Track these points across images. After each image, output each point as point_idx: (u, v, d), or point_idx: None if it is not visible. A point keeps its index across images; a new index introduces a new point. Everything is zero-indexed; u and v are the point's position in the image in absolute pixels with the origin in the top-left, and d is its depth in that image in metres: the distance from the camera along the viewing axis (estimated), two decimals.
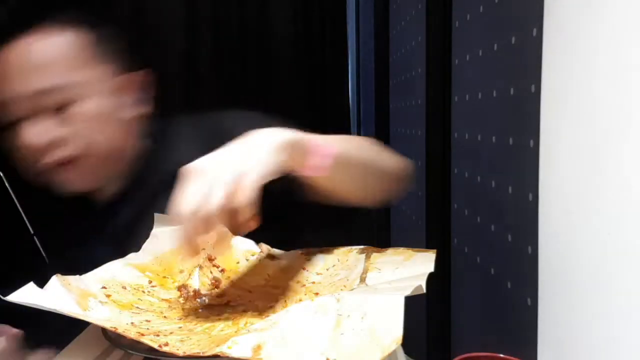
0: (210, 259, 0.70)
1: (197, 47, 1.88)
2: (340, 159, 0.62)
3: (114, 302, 0.59)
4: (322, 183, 0.63)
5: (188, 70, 1.87)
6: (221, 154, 0.55)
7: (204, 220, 0.51)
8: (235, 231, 0.55)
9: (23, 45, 0.73)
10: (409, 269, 0.60)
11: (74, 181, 0.78)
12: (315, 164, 0.59)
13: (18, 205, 0.65)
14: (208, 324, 0.55)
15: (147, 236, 0.71)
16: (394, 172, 0.75)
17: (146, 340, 0.49)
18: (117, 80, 0.79)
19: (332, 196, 0.67)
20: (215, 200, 0.50)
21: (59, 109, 0.74)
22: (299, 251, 0.72)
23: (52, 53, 0.74)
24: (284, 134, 0.57)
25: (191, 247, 0.53)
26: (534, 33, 0.80)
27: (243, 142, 0.56)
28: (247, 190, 0.51)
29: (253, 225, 0.54)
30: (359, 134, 2.18)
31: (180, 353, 0.47)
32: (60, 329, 0.56)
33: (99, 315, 0.55)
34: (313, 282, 0.65)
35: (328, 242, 0.75)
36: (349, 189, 0.68)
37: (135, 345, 0.50)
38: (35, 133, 0.73)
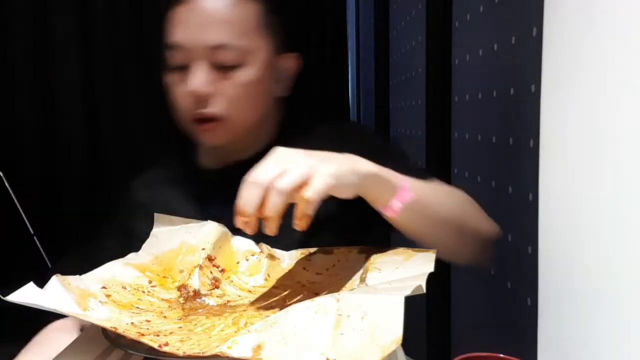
0: (210, 259, 0.70)
1: None
2: (414, 207, 0.64)
3: (114, 302, 0.59)
4: (395, 222, 0.66)
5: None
6: (313, 152, 0.59)
7: (265, 192, 0.54)
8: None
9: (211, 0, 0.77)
10: (409, 269, 0.60)
11: (212, 137, 0.81)
12: (388, 204, 0.63)
13: (18, 205, 0.65)
14: (208, 324, 0.55)
15: None
16: (480, 233, 0.74)
17: (146, 340, 0.49)
18: (275, 56, 0.83)
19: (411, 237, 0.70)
20: (285, 181, 0.54)
21: (225, 68, 0.77)
22: (299, 251, 0.72)
23: (233, 13, 0.78)
24: (374, 166, 0.61)
25: (242, 213, 0.56)
26: (534, 33, 0.80)
27: (334, 154, 0.60)
28: (315, 189, 0.54)
29: (303, 224, 0.56)
30: None
31: (180, 353, 0.47)
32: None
33: (99, 315, 0.55)
34: (313, 282, 0.65)
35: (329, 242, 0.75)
36: (425, 239, 0.68)
37: (135, 345, 0.50)
38: (200, 82, 0.76)
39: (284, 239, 0.65)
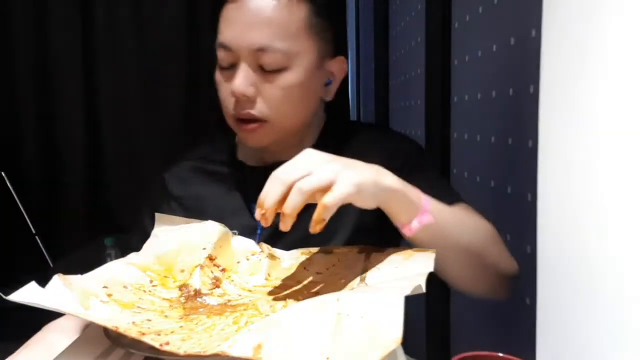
0: (211, 259, 0.70)
1: (196, 46, 1.89)
2: (432, 231, 0.64)
3: (115, 301, 0.59)
4: (411, 242, 0.66)
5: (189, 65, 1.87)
6: (341, 158, 0.60)
7: (287, 189, 0.56)
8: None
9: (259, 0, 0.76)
10: (409, 268, 0.60)
11: (254, 138, 0.81)
12: (407, 223, 0.63)
13: (20, 205, 0.65)
14: (209, 323, 0.55)
15: None
16: (498, 269, 0.73)
17: (147, 339, 0.49)
18: (322, 59, 0.82)
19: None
20: (308, 182, 0.56)
21: (269, 70, 0.77)
22: (299, 251, 0.73)
23: (280, 15, 0.76)
24: (398, 182, 0.62)
25: (261, 205, 0.57)
26: (533, 34, 0.81)
27: (361, 164, 0.61)
28: (335, 195, 0.55)
29: (317, 228, 0.57)
30: None
31: (181, 352, 0.47)
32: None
33: (101, 314, 0.55)
34: (313, 282, 0.65)
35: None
36: (440, 264, 0.67)
37: (136, 345, 0.50)
38: (242, 83, 0.76)
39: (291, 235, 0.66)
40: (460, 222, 0.71)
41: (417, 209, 0.64)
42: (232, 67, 0.78)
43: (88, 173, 1.81)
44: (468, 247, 0.70)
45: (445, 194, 0.72)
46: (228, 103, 0.79)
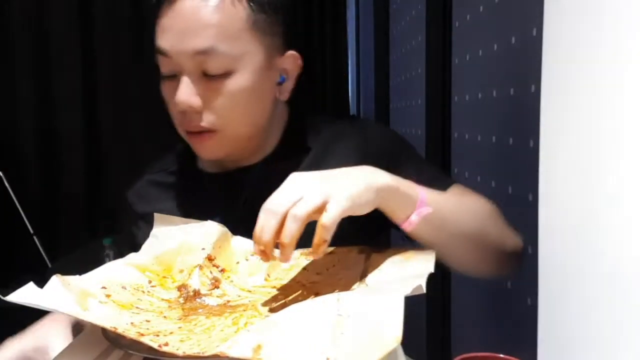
0: (210, 259, 0.69)
1: None
2: (432, 221, 0.63)
3: (114, 302, 0.59)
4: (412, 235, 0.65)
5: None
6: (327, 174, 0.60)
7: (280, 220, 0.55)
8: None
9: (193, 2, 0.71)
10: (409, 269, 0.59)
11: (207, 150, 0.77)
12: (406, 218, 0.62)
13: (18, 205, 0.65)
14: (208, 324, 0.55)
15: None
16: (502, 246, 0.72)
17: (146, 340, 0.49)
18: (272, 57, 0.77)
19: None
20: (301, 208, 0.55)
21: (215, 76, 0.73)
22: (298, 251, 0.72)
23: (218, 17, 0.71)
24: (392, 179, 0.61)
25: (259, 241, 0.56)
26: (534, 33, 0.80)
27: (349, 171, 0.61)
28: (330, 215, 0.55)
29: (320, 251, 0.57)
30: None
31: (180, 353, 0.47)
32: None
33: (99, 315, 0.55)
34: (313, 282, 0.65)
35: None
36: (444, 252, 0.67)
37: (135, 345, 0.50)
38: (186, 95, 0.72)
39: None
40: (458, 207, 0.69)
41: (414, 202, 0.62)
42: (174, 77, 0.74)
43: (87, 173, 1.81)
44: (469, 231, 0.69)
45: (437, 180, 0.71)
46: (175, 115, 0.76)
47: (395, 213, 0.62)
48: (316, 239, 0.56)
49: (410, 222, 0.63)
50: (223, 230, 0.73)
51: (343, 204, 0.55)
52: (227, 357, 0.45)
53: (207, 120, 0.74)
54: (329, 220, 0.54)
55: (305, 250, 0.72)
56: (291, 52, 0.79)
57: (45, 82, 1.79)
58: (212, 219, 0.75)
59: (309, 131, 0.83)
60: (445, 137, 1.21)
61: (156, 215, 0.75)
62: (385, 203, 0.61)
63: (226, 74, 0.72)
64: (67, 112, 1.81)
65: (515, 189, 0.90)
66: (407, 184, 0.63)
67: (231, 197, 0.80)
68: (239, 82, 0.73)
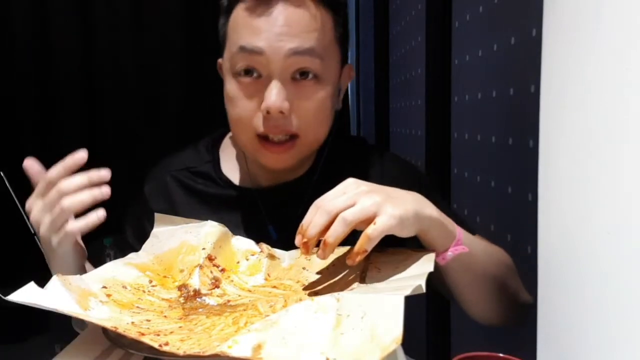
0: (211, 259, 0.70)
1: (196, 45, 1.88)
2: (463, 260, 0.65)
3: (115, 301, 0.59)
4: (442, 270, 0.66)
5: (188, 66, 1.87)
6: (383, 188, 0.61)
7: (329, 219, 0.57)
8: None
9: (294, 9, 0.72)
10: (409, 268, 0.60)
11: (280, 159, 0.76)
12: (441, 252, 0.64)
13: (19, 205, 0.65)
14: (208, 324, 0.55)
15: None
16: (517, 299, 0.74)
17: (146, 339, 0.49)
18: (340, 70, 0.79)
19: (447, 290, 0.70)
20: (352, 212, 0.56)
21: (304, 82, 0.73)
22: (298, 251, 0.72)
23: (316, 24, 0.73)
24: (437, 212, 0.63)
25: (305, 234, 0.58)
26: (534, 33, 0.80)
27: (403, 192, 0.62)
28: (378, 228, 0.56)
29: (357, 259, 0.58)
30: (359, 133, 2.18)
31: (181, 352, 0.47)
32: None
33: (100, 314, 0.55)
34: (313, 282, 0.65)
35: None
36: (464, 293, 0.69)
37: (135, 345, 0.50)
38: (280, 98, 0.71)
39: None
40: (486, 253, 0.71)
41: (452, 239, 0.64)
42: (255, 78, 0.73)
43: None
44: (491, 277, 0.70)
45: (463, 224, 0.72)
46: (251, 120, 0.74)
47: (432, 244, 0.64)
48: (357, 248, 0.57)
49: (445, 257, 0.64)
50: (223, 230, 0.73)
51: (392, 222, 0.57)
52: (227, 356, 0.45)
53: (292, 124, 0.73)
54: (375, 232, 0.56)
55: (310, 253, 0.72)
56: (349, 64, 0.82)
57: (46, 82, 1.79)
58: (264, 237, 0.75)
59: (349, 155, 0.85)
60: (445, 137, 1.21)
61: (157, 215, 0.75)
62: (426, 233, 0.62)
63: (315, 79, 0.73)
64: (68, 112, 1.81)
65: (515, 189, 0.90)
66: (449, 220, 0.65)
67: (283, 215, 0.80)
68: (324, 89, 0.74)
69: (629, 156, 0.42)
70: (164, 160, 0.89)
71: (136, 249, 0.79)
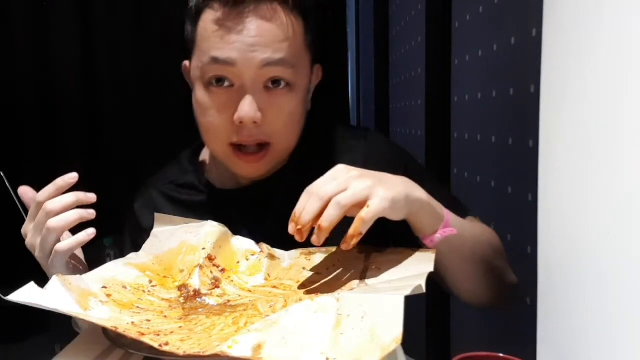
0: (211, 259, 0.70)
1: None
2: (452, 242, 0.65)
3: (115, 301, 0.59)
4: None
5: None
6: (371, 172, 0.61)
7: (322, 204, 0.57)
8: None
9: (263, 19, 0.71)
10: (409, 268, 0.60)
11: (254, 168, 0.77)
12: (430, 234, 0.64)
13: (19, 205, 0.65)
14: (208, 324, 0.55)
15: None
16: (504, 279, 0.75)
17: (146, 339, 0.49)
18: (310, 73, 0.79)
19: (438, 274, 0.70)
20: (346, 196, 0.57)
21: (276, 91, 0.73)
22: (299, 251, 0.72)
23: (288, 32, 0.73)
24: (425, 194, 0.63)
25: (298, 221, 0.58)
26: (534, 33, 0.80)
27: (391, 177, 0.62)
28: (372, 210, 0.56)
29: (352, 242, 0.58)
30: None
31: (181, 352, 0.47)
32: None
33: (100, 314, 0.55)
34: (313, 282, 0.65)
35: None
36: (454, 274, 0.70)
37: (135, 345, 0.50)
38: (254, 109, 0.71)
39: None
40: (475, 235, 0.72)
41: (441, 221, 0.65)
42: (226, 87, 0.73)
43: (88, 174, 1.81)
44: (481, 259, 0.71)
45: (456, 206, 0.72)
46: (224, 129, 0.74)
47: (421, 227, 0.64)
48: (351, 231, 0.57)
49: (433, 239, 0.65)
50: (223, 230, 0.73)
51: (384, 204, 0.57)
52: (227, 356, 0.45)
53: (265, 133, 0.74)
54: (369, 215, 0.57)
55: (306, 250, 0.72)
56: (317, 65, 0.82)
57: (46, 82, 1.79)
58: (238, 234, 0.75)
59: (324, 143, 0.84)
60: (445, 137, 1.21)
61: (157, 215, 0.75)
62: (416, 216, 0.63)
63: (287, 87, 0.74)
64: (68, 112, 1.81)
65: (514, 189, 0.90)
66: (437, 203, 0.65)
67: (256, 214, 0.81)
68: (296, 96, 0.75)
69: (628, 156, 0.42)
70: (150, 178, 0.91)
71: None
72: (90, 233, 0.68)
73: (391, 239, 0.70)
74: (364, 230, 0.57)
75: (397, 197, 0.59)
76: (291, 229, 0.59)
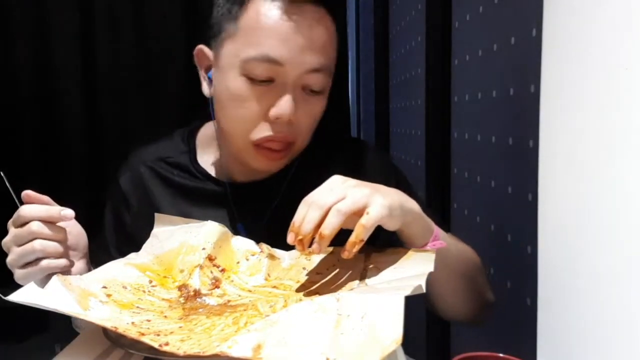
0: (211, 259, 0.70)
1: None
2: (441, 256, 0.65)
3: (115, 301, 0.59)
4: None
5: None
6: (367, 183, 0.61)
7: (322, 213, 0.57)
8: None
9: (316, 21, 0.72)
10: (409, 268, 0.60)
11: (274, 163, 0.77)
12: (420, 246, 0.65)
13: (19, 205, 0.65)
14: (208, 324, 0.55)
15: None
16: (482, 295, 0.76)
17: (147, 339, 0.49)
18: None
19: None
20: (345, 204, 0.57)
21: (312, 93, 0.74)
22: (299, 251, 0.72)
23: (330, 38, 0.74)
24: (417, 206, 0.64)
25: (299, 231, 0.58)
26: (534, 33, 0.80)
27: (386, 188, 0.63)
28: (371, 216, 0.57)
29: (355, 250, 0.58)
30: (358, 134, 2.18)
31: (181, 353, 0.47)
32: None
33: (100, 314, 0.55)
34: (313, 282, 0.65)
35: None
36: (436, 287, 0.69)
37: (135, 345, 0.50)
38: (291, 108, 0.72)
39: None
40: (458, 250, 0.73)
41: (431, 233, 0.65)
42: (267, 83, 0.72)
43: (88, 174, 1.81)
44: (463, 275, 0.72)
45: (440, 224, 0.72)
46: (255, 123, 0.73)
47: (413, 239, 0.65)
48: (353, 238, 0.58)
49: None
50: (223, 230, 0.73)
51: (383, 211, 0.58)
52: (228, 356, 0.45)
53: (294, 132, 0.75)
54: (369, 222, 0.57)
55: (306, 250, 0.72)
56: None
57: (46, 82, 1.79)
58: (233, 229, 0.76)
59: (328, 151, 0.85)
60: (445, 137, 1.21)
61: (157, 215, 0.75)
62: (409, 226, 0.63)
63: (321, 94, 0.75)
64: (69, 112, 1.81)
65: (515, 189, 0.90)
66: (426, 216, 0.66)
67: (253, 211, 0.81)
68: (324, 100, 0.77)
69: (628, 156, 0.42)
70: (136, 151, 0.88)
71: (115, 245, 0.81)
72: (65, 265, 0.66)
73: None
74: (365, 237, 0.58)
75: (393, 205, 0.59)
76: (291, 239, 0.59)
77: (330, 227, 0.57)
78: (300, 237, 0.58)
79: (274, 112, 0.72)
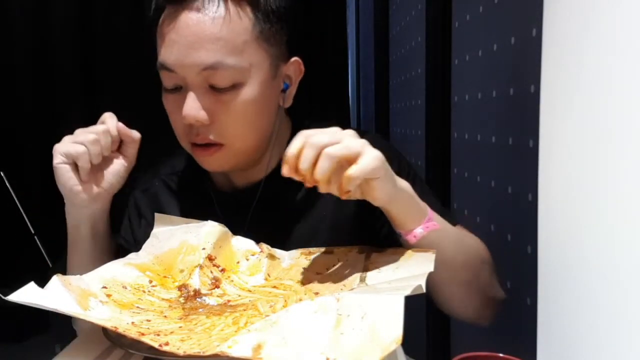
0: (211, 259, 0.70)
1: None
2: (434, 241, 0.64)
3: (115, 301, 0.59)
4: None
5: None
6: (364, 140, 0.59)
7: (316, 153, 0.56)
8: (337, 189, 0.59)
9: (197, 15, 0.69)
10: (409, 268, 0.60)
11: (213, 162, 0.76)
12: (412, 229, 0.63)
13: (19, 205, 0.65)
14: (208, 324, 0.55)
15: None
16: (489, 292, 0.73)
17: (147, 339, 0.49)
18: (277, 65, 0.75)
19: None
20: (337, 148, 0.56)
21: (223, 89, 0.71)
22: (299, 251, 0.72)
23: (224, 30, 0.69)
24: (410, 187, 0.63)
25: (296, 168, 0.57)
26: (534, 33, 0.80)
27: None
28: (361, 167, 0.55)
29: (344, 195, 0.57)
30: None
31: (181, 352, 0.47)
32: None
33: (100, 314, 0.55)
34: (313, 282, 0.65)
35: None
36: (435, 280, 0.65)
37: (135, 345, 0.50)
38: (194, 109, 0.70)
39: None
40: (459, 240, 0.70)
41: (423, 216, 0.64)
42: (178, 90, 0.72)
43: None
44: (464, 266, 0.69)
45: (445, 214, 0.71)
46: (179, 128, 0.74)
47: (403, 220, 0.63)
48: (339, 190, 0.57)
49: (415, 235, 0.64)
50: (223, 230, 0.73)
51: (375, 162, 0.56)
52: (227, 356, 0.45)
53: (214, 133, 0.72)
54: (357, 172, 0.56)
55: (306, 250, 0.72)
56: (295, 59, 0.78)
57: (46, 82, 1.79)
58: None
59: None
60: (445, 137, 1.21)
61: (157, 215, 0.75)
62: (399, 205, 0.62)
63: (234, 87, 0.71)
64: (68, 113, 1.81)
65: (515, 188, 0.90)
66: (420, 200, 0.65)
67: (237, 219, 0.79)
68: (247, 94, 0.71)
69: (628, 156, 0.42)
70: (154, 166, 0.90)
71: (124, 246, 0.81)
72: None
73: (380, 243, 0.70)
74: (352, 188, 0.57)
75: (387, 166, 0.58)
76: (286, 171, 0.58)
77: (321, 173, 0.55)
78: (301, 178, 0.57)
79: (177, 115, 0.72)
